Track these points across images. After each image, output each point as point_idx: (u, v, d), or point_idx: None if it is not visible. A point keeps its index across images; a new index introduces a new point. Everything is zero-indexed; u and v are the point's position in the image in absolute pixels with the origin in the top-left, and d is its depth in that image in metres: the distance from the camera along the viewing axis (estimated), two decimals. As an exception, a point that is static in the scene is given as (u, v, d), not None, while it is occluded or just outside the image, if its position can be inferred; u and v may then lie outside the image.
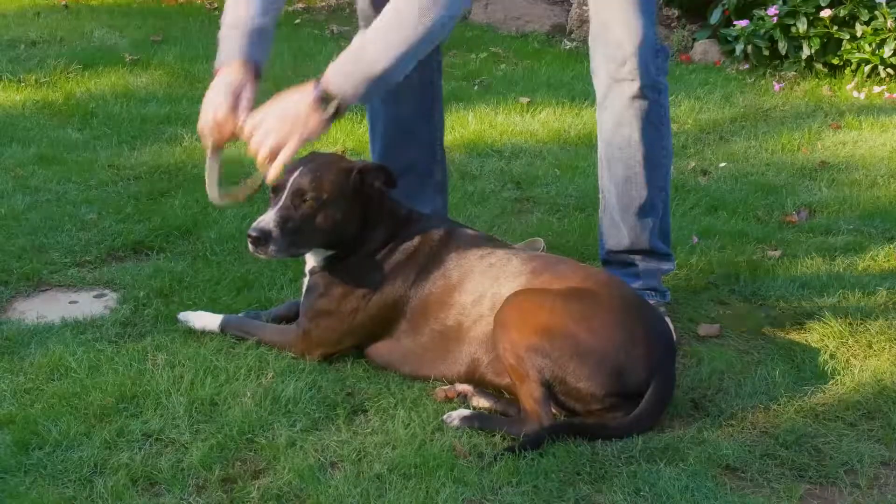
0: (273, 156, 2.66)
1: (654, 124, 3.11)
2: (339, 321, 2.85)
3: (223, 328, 3.00)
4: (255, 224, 2.73)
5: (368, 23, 3.20)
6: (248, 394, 2.69)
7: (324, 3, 8.71)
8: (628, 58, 3.00)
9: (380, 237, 2.86)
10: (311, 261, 2.94)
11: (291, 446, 2.50)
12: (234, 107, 2.75)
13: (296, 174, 2.75)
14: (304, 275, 2.99)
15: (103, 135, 4.99)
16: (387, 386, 2.80)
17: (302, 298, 2.96)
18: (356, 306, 2.85)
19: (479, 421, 2.62)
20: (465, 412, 2.64)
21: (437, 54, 3.35)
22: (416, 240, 2.87)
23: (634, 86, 3.03)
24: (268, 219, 2.73)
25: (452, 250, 2.86)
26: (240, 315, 3.10)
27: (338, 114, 2.67)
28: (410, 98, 3.29)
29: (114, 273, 3.45)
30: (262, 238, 2.71)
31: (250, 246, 2.75)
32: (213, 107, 2.77)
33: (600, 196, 3.27)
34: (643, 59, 3.00)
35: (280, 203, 2.75)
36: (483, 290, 2.78)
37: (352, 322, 2.85)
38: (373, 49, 2.65)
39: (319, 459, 2.45)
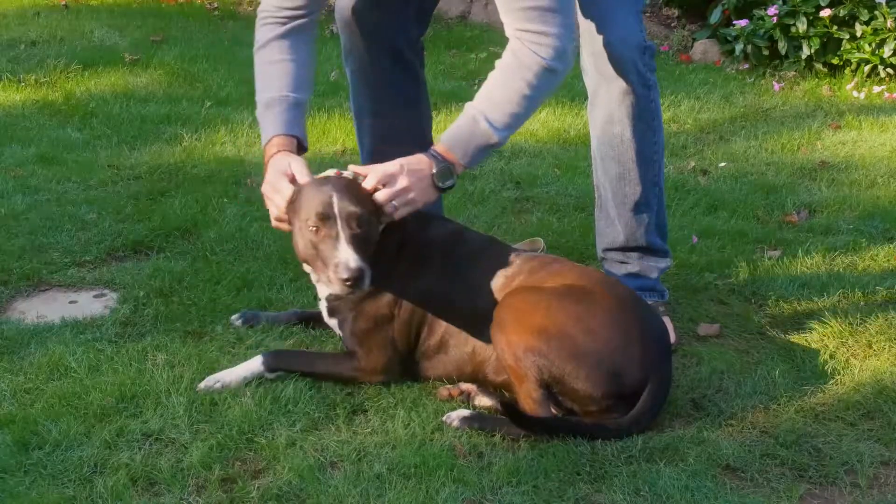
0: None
1: (644, 120, 3.11)
2: (384, 332, 2.79)
3: (270, 368, 2.79)
4: (344, 265, 2.55)
5: (345, 27, 3.21)
6: (248, 394, 2.69)
7: (324, 3, 8.71)
8: (616, 55, 3.01)
9: (394, 243, 2.78)
10: (330, 288, 2.77)
11: (291, 446, 2.50)
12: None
13: (335, 201, 2.61)
14: (319, 299, 2.91)
15: (103, 135, 4.99)
16: (387, 386, 2.80)
17: (337, 330, 2.87)
18: (390, 313, 2.79)
19: (478, 422, 2.62)
20: (464, 412, 2.64)
21: (419, 52, 3.35)
22: (428, 243, 2.85)
23: (623, 83, 3.04)
24: (348, 254, 2.57)
25: (463, 252, 2.86)
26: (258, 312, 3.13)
27: (453, 186, 2.74)
28: (396, 95, 3.28)
29: (114, 273, 3.45)
30: (360, 276, 2.58)
31: (345, 288, 2.58)
32: (279, 198, 2.73)
33: (595, 194, 3.28)
34: (631, 56, 3.01)
35: (343, 234, 2.59)
36: (490, 289, 2.77)
37: (393, 330, 2.79)
38: (486, 123, 2.68)
39: (319, 459, 2.45)
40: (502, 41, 2.77)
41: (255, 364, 2.78)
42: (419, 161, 2.71)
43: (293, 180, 2.72)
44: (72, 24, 7.49)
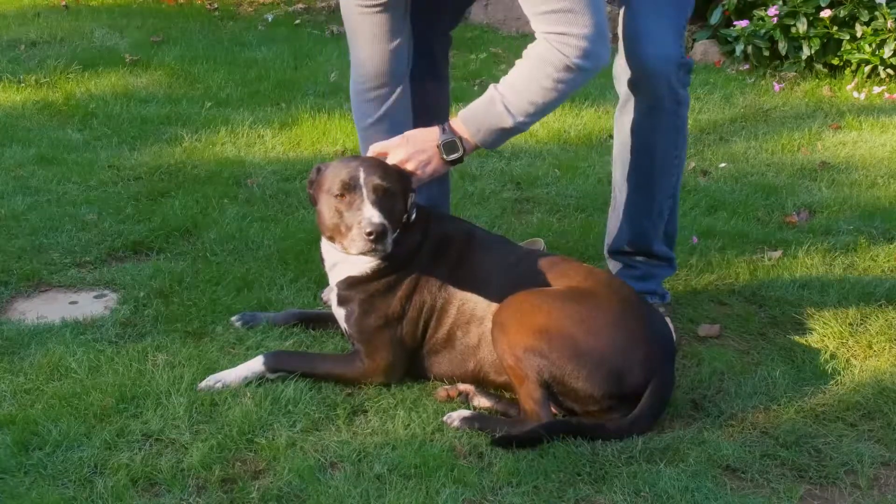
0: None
1: (669, 135, 3.12)
2: (391, 332, 2.80)
3: (271, 369, 2.79)
4: (367, 219, 2.62)
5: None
6: (248, 394, 2.69)
7: (324, 4, 8.71)
8: (651, 69, 3.00)
9: (413, 238, 2.82)
10: (349, 270, 2.84)
11: (291, 446, 2.50)
12: None
13: (361, 173, 2.70)
14: (331, 289, 2.92)
15: (103, 135, 4.99)
16: (387, 386, 2.80)
17: (343, 322, 2.87)
18: (401, 309, 2.80)
19: (479, 422, 2.62)
20: (465, 413, 2.64)
21: (446, 45, 3.36)
22: (443, 241, 2.87)
23: (654, 96, 3.04)
24: (371, 212, 2.65)
25: (476, 251, 2.87)
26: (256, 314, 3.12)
27: (461, 159, 2.76)
28: (419, 83, 3.29)
29: (114, 273, 3.45)
30: (384, 232, 2.63)
31: (368, 244, 2.62)
32: None
33: (611, 193, 3.29)
34: (665, 72, 3.01)
35: (367, 199, 2.67)
36: (499, 285, 2.78)
37: (402, 328, 2.80)
38: (503, 106, 2.70)
39: (319, 459, 2.45)
40: (502, 42, 2.79)
41: (255, 364, 2.78)
42: (428, 133, 2.78)
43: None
44: (72, 24, 7.49)
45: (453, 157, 2.75)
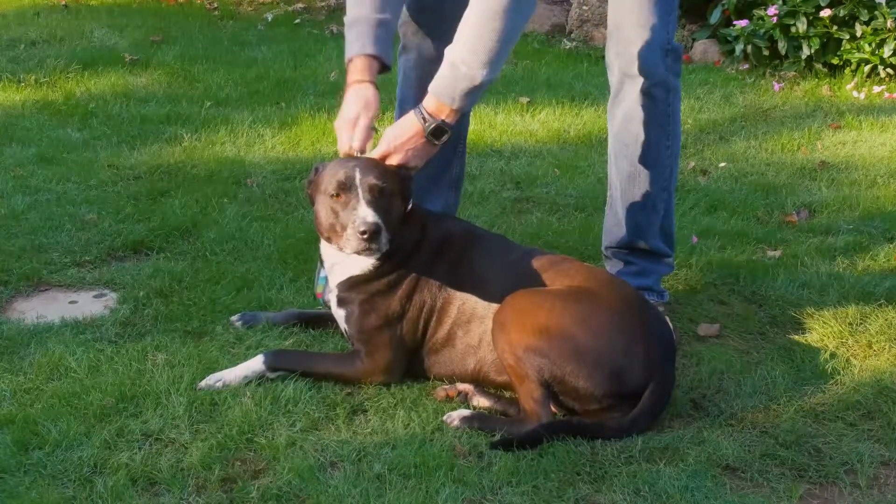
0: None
1: (660, 124, 3.12)
2: (391, 331, 2.80)
3: (271, 368, 2.79)
4: (362, 219, 2.62)
5: (405, 24, 3.27)
6: (248, 394, 2.69)
7: (324, 3, 8.71)
8: (637, 55, 3.02)
9: (412, 238, 2.83)
10: (348, 270, 2.85)
11: (291, 446, 2.50)
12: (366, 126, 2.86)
13: (357, 173, 2.70)
14: (330, 290, 2.92)
15: (103, 135, 4.99)
16: (387, 386, 2.80)
17: (343, 322, 2.88)
18: (401, 309, 2.81)
19: (478, 421, 2.62)
20: (465, 412, 2.64)
21: None
22: (442, 241, 2.87)
23: (643, 83, 3.05)
24: (366, 212, 2.65)
25: (476, 250, 2.87)
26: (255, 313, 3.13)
27: (446, 131, 2.74)
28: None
29: (114, 273, 3.45)
30: (377, 231, 2.63)
31: (362, 243, 2.63)
32: (349, 131, 2.88)
33: (608, 190, 3.29)
34: (652, 58, 3.02)
35: (363, 199, 2.67)
36: (499, 284, 2.78)
37: (402, 328, 2.81)
38: (465, 67, 2.67)
39: (319, 459, 2.45)
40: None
41: (256, 363, 2.78)
42: (409, 125, 2.75)
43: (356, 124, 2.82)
44: (72, 24, 7.49)
45: (444, 139, 2.75)
